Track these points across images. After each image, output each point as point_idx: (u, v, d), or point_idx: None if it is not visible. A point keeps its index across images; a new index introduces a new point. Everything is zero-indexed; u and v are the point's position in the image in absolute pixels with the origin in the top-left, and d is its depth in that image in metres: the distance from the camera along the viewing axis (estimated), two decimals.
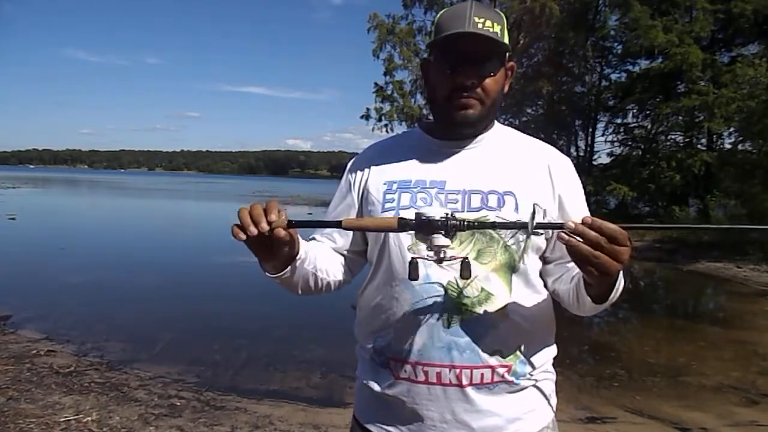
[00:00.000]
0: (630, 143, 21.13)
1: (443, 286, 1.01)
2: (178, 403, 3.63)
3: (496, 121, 1.15)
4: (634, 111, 20.83)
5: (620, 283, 0.93)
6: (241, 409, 3.61)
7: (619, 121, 21.59)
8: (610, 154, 21.85)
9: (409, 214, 0.92)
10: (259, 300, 6.92)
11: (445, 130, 1.12)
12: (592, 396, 4.12)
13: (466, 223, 0.87)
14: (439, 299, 1.01)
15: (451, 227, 0.87)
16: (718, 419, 3.73)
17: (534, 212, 0.87)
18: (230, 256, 10.67)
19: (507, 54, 1.07)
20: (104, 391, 3.77)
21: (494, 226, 0.95)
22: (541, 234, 1.03)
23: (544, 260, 1.10)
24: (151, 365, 4.47)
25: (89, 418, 3.26)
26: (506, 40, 1.04)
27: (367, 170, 1.15)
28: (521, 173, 1.08)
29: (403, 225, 0.89)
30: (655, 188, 18.05)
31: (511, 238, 1.03)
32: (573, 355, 5.10)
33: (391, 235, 1.05)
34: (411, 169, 1.11)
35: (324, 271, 1.11)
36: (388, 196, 1.09)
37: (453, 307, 1.01)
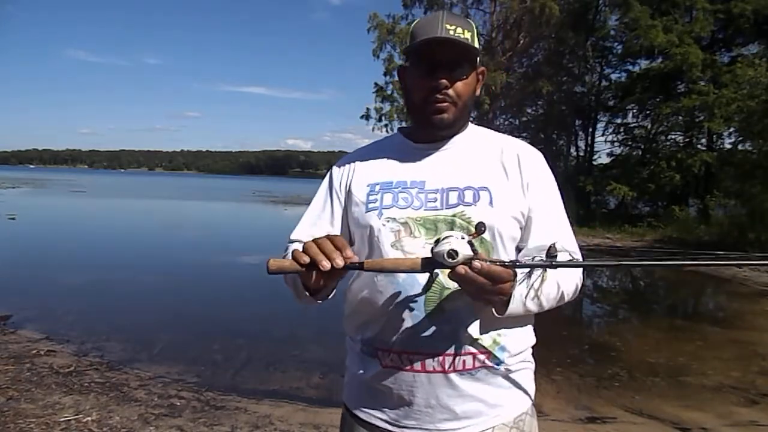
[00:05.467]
0: (630, 143, 21.15)
1: (425, 279, 1.06)
2: (178, 403, 3.63)
3: (470, 123, 1.22)
4: (634, 111, 20.85)
5: (518, 302, 1.00)
6: (241, 409, 3.61)
7: (619, 121, 21.62)
8: (610, 154, 21.90)
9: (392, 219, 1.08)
10: (259, 300, 6.93)
11: (422, 133, 1.19)
12: (592, 396, 4.11)
13: (488, 262, 0.91)
14: (421, 291, 1.07)
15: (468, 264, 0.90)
16: (718, 419, 3.72)
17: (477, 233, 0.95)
18: (230, 257, 10.67)
19: (477, 59, 1.14)
20: (104, 391, 3.78)
21: (514, 265, 0.95)
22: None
23: (518, 250, 1.15)
24: (151, 365, 4.47)
25: (89, 418, 3.26)
26: (476, 44, 1.12)
27: (350, 173, 1.22)
28: (494, 168, 1.15)
29: (427, 264, 0.93)
30: (655, 188, 18.05)
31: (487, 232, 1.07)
32: (573, 355, 5.09)
33: (375, 232, 1.11)
34: (392, 171, 1.18)
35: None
36: (371, 197, 1.15)
37: (435, 299, 1.07)
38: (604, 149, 23.60)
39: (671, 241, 14.21)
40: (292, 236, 1.23)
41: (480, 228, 0.95)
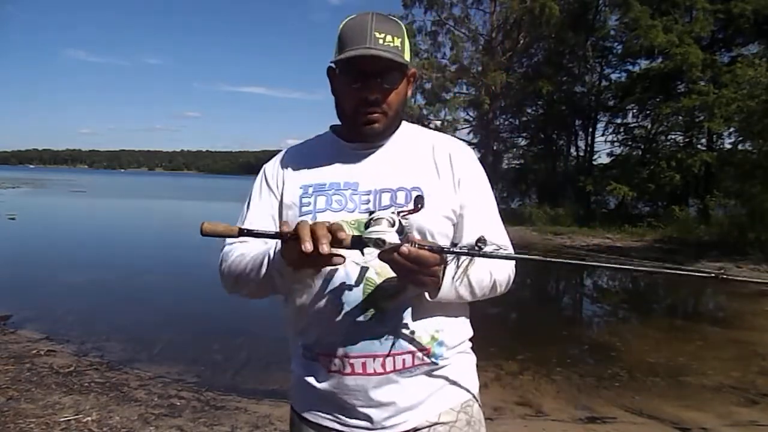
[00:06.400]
0: (630, 143, 21.10)
1: (360, 282, 1.07)
2: (178, 403, 3.63)
3: (403, 121, 1.21)
4: (634, 111, 20.79)
5: (448, 285, 1.02)
6: (241, 409, 3.61)
7: (619, 121, 21.56)
8: (610, 154, 21.82)
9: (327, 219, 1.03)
10: (259, 300, 6.92)
11: (354, 135, 1.18)
12: (592, 396, 4.12)
13: (417, 245, 0.92)
14: (357, 294, 1.07)
15: (390, 247, 0.91)
16: (718, 419, 3.73)
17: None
18: None
19: (408, 63, 1.12)
20: (104, 391, 3.78)
21: (441, 251, 0.95)
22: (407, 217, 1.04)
23: (455, 246, 1.14)
24: (151, 365, 4.47)
25: (89, 418, 3.26)
26: (407, 49, 1.11)
27: (283, 175, 1.20)
28: (426, 168, 1.16)
29: (356, 243, 0.93)
30: (655, 188, 18.02)
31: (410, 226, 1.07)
32: (573, 355, 5.10)
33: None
34: (325, 173, 1.16)
35: None
36: (305, 200, 1.14)
37: (371, 301, 1.07)
38: (604, 149, 23.59)
39: (671, 241, 14.21)
40: (246, 225, 1.18)
41: (418, 204, 0.96)
